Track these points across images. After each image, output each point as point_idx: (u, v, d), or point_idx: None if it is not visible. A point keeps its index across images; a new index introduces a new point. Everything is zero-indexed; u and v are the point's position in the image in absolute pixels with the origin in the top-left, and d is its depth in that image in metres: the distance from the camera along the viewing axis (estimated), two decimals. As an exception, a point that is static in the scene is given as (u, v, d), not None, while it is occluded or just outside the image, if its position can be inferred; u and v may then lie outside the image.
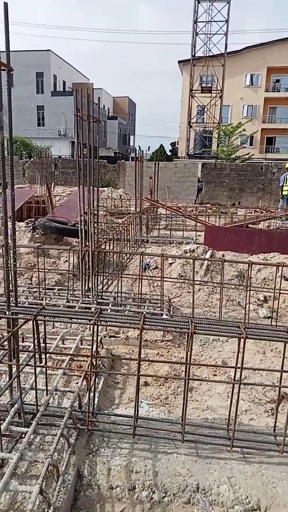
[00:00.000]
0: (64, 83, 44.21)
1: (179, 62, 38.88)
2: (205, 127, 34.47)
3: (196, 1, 31.36)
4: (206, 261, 4.74)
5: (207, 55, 32.00)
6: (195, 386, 2.76)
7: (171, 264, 5.01)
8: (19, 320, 2.04)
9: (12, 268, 2.11)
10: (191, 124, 33.94)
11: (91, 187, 3.71)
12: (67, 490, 1.71)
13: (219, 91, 31.93)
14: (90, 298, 3.88)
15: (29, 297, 3.95)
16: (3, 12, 1.82)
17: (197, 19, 31.81)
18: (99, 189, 4.11)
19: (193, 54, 32.57)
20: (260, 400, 2.56)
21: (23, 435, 1.89)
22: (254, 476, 1.84)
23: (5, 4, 1.83)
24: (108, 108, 53.18)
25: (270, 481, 1.82)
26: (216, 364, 3.04)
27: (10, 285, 2.07)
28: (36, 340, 2.05)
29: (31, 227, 5.88)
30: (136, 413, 2.02)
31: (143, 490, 1.80)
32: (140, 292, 3.86)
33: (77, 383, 2.42)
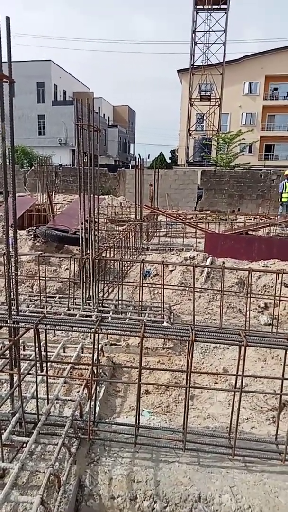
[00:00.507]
0: (64, 93, 44.69)
1: (178, 71, 39.36)
2: (204, 135, 34.78)
3: (195, 12, 31.87)
4: (206, 268, 4.75)
5: (206, 64, 32.41)
6: (196, 394, 2.75)
7: (171, 271, 5.02)
8: (20, 329, 2.05)
9: (13, 277, 2.12)
10: (191, 132, 34.25)
11: (92, 195, 3.74)
12: (68, 501, 1.70)
13: (218, 100, 32.28)
14: (91, 306, 3.88)
15: (30, 305, 3.95)
16: (5, 26, 1.86)
17: (195, 29, 32.31)
18: (100, 197, 4.13)
19: (192, 63, 33.00)
20: (261, 408, 2.55)
21: (24, 445, 1.89)
22: (256, 485, 1.83)
23: (7, 18, 1.87)
24: (108, 117, 53.66)
25: (273, 490, 1.81)
26: (217, 372, 3.03)
27: (12, 293, 2.08)
28: (37, 349, 2.06)
29: (32, 235, 5.90)
30: (137, 421, 2.02)
31: (144, 500, 1.79)
32: (140, 299, 3.86)
33: (78, 391, 2.41)
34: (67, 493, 1.73)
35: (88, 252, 3.85)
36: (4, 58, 1.87)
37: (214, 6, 31.32)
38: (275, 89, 39.26)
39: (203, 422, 2.40)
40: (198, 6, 31.76)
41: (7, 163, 1.97)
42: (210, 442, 2.06)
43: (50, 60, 41.22)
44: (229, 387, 2.74)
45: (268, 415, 2.46)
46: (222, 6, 31.51)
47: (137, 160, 8.07)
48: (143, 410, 2.46)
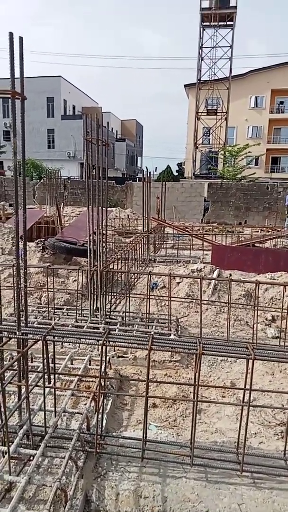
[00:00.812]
0: (73, 107, 45.60)
1: (185, 85, 39.98)
2: (211, 148, 35.06)
3: (201, 28, 32.53)
4: (213, 281, 4.75)
5: (213, 79, 32.90)
6: (204, 408, 2.72)
7: (178, 283, 5.02)
8: (29, 340, 2.06)
9: (22, 288, 2.15)
10: (197, 145, 34.57)
11: (100, 207, 3.79)
12: (74, 515, 1.68)
13: (225, 113, 32.64)
14: (98, 317, 3.89)
15: (38, 317, 3.98)
16: (18, 45, 1.93)
17: (202, 45, 32.92)
18: (108, 209, 4.18)
19: (198, 78, 33.52)
20: (269, 422, 2.51)
21: (32, 458, 1.88)
22: (265, 503, 1.80)
23: (20, 39, 1.94)
24: (116, 131, 54.47)
25: (282, 508, 1.77)
26: (224, 386, 3.00)
27: (20, 305, 2.11)
28: (45, 361, 2.07)
29: (40, 247, 5.96)
30: (144, 435, 2.01)
31: (151, 516, 1.76)
32: (148, 311, 3.86)
33: (85, 404, 2.41)
34: (74, 508, 1.71)
35: (96, 264, 3.88)
36: (16, 75, 1.94)
37: (220, 23, 31.96)
38: (281, 102, 39.61)
39: (210, 437, 2.37)
40: (204, 23, 32.45)
41: (18, 176, 2.02)
42: (218, 457, 2.03)
43: (59, 76, 42.22)
44: (237, 401, 2.72)
45: (277, 430, 2.42)
46: (228, 23, 32.14)
47: (144, 173, 8.16)
48: (150, 424, 2.45)
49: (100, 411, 2.16)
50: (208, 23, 32.19)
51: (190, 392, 2.86)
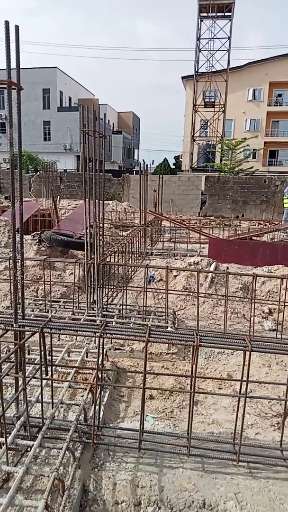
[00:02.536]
0: (70, 99, 45.13)
1: (183, 78, 39.61)
2: (209, 141, 34.87)
3: (199, 19, 32.14)
4: (210, 274, 4.75)
5: (210, 71, 32.60)
6: (201, 399, 2.74)
7: (175, 276, 5.02)
8: (26, 332, 2.06)
9: (19, 281, 2.14)
10: (195, 138, 34.37)
11: (97, 200, 3.77)
12: (72, 505, 1.69)
13: (222, 106, 32.42)
14: (95, 310, 3.89)
15: (35, 310, 3.97)
16: (14, 35, 1.89)
17: (200, 36, 32.55)
18: (104, 202, 4.16)
19: (196, 70, 33.20)
20: (266, 414, 2.53)
21: (29, 449, 1.89)
22: (261, 492, 1.82)
23: (16, 27, 1.91)
24: (113, 123, 54.03)
25: (278, 497, 1.80)
26: (221, 377, 3.02)
27: (17, 297, 2.10)
28: (42, 353, 2.07)
29: (37, 240, 5.94)
30: (141, 426, 2.02)
31: (148, 506, 1.78)
32: (144, 304, 3.87)
33: (83, 396, 2.42)
34: (71, 497, 1.73)
35: (92, 257, 3.87)
36: (13, 65, 1.91)
37: (218, 14, 31.58)
38: (279, 95, 39.37)
39: (207, 428, 2.39)
40: (202, 14, 32.05)
41: (14, 169, 2.00)
42: (214, 447, 2.05)
43: (55, 67, 41.69)
44: (234, 392, 2.74)
45: (273, 421, 2.45)
46: (226, 14, 31.76)
47: (141, 165, 8.12)
48: (147, 415, 2.46)
49: (97, 402, 2.17)
50: (206, 14, 31.80)
51: (187, 384, 2.88)
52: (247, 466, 1.97)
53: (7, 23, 1.85)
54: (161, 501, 1.78)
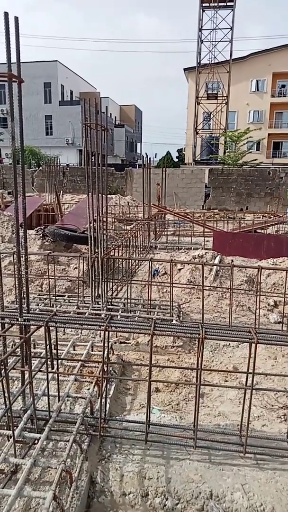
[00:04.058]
0: (71, 93, 44.87)
1: (185, 69, 39.23)
2: (212, 133, 34.60)
3: (201, 10, 31.69)
4: (215, 267, 4.74)
5: (213, 62, 32.22)
6: (207, 392, 2.74)
7: (180, 270, 5.01)
8: (31, 326, 2.06)
9: (23, 275, 2.14)
10: (198, 130, 34.09)
11: (100, 195, 3.75)
12: (80, 497, 1.71)
13: (225, 98, 32.07)
14: (100, 304, 3.89)
15: (39, 304, 3.98)
16: (14, 26, 1.87)
17: (202, 27, 32.12)
18: (107, 196, 4.15)
19: (198, 61, 32.83)
20: (272, 406, 2.53)
21: (36, 441, 1.91)
22: (268, 483, 1.82)
23: (16, 18, 1.88)
24: (115, 116, 53.73)
25: (285, 488, 1.80)
26: (227, 370, 3.02)
27: (22, 292, 2.10)
28: (47, 346, 2.08)
29: (40, 235, 5.94)
30: (148, 419, 2.02)
31: (156, 497, 1.79)
32: (149, 298, 3.86)
33: (89, 389, 2.43)
34: (79, 489, 1.74)
35: (96, 251, 3.87)
36: (13, 59, 1.89)
37: (220, 4, 31.11)
38: (283, 86, 38.89)
39: (213, 420, 2.39)
40: (204, 4, 31.57)
41: (16, 164, 1.99)
42: (221, 439, 2.06)
43: (56, 61, 41.42)
44: (240, 385, 2.73)
45: (279, 413, 2.45)
46: (229, 4, 31.28)
47: (144, 159, 8.07)
48: (153, 408, 2.47)
49: (104, 395, 2.18)
50: (207, 4, 31.34)
51: (193, 377, 2.88)
52: (254, 458, 1.98)
53: (6, 14, 1.82)
54: (168, 492, 1.79)
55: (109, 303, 3.97)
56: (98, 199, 3.73)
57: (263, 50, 37.54)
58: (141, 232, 6.78)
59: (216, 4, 30.94)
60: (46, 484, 1.73)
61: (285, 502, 1.73)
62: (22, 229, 2.14)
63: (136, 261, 5.48)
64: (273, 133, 38.29)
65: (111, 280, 4.22)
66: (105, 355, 2.14)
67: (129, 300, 3.99)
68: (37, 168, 21.99)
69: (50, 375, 2.16)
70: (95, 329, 3.07)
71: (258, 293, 3.74)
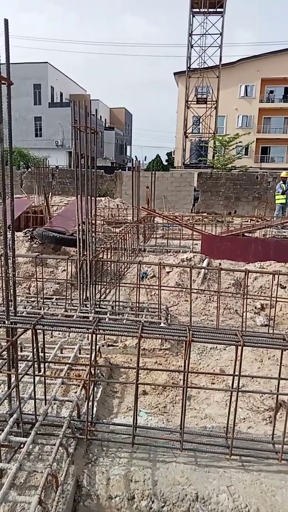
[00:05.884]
0: (61, 95, 44.70)
1: (175, 73, 39.51)
2: (201, 137, 34.89)
3: (191, 15, 32.02)
4: (203, 270, 4.77)
5: (202, 67, 32.54)
6: (194, 394, 2.76)
7: (168, 272, 5.03)
8: (18, 329, 2.05)
9: (11, 278, 2.13)
10: (187, 134, 34.33)
11: (89, 197, 3.75)
12: (66, 501, 1.70)
13: (214, 102, 32.41)
14: (88, 307, 3.88)
15: (27, 307, 3.95)
16: (3, 28, 1.87)
17: (192, 32, 32.44)
18: (97, 198, 4.15)
19: (188, 66, 33.12)
20: (258, 408, 2.56)
21: (22, 445, 1.89)
22: (253, 485, 1.84)
23: (5, 21, 1.88)
24: (105, 119, 53.69)
25: (269, 489, 1.82)
26: (214, 372, 3.05)
27: (9, 294, 2.09)
28: (35, 350, 2.06)
29: (29, 237, 5.89)
30: (135, 422, 2.03)
31: (142, 500, 1.79)
32: (137, 300, 3.87)
33: (76, 392, 2.42)
34: (65, 493, 1.73)
35: (85, 253, 3.86)
36: (2, 60, 1.89)
37: (210, 10, 31.49)
38: (271, 91, 39.52)
39: (200, 422, 2.41)
40: (194, 10, 31.93)
41: (5, 165, 1.98)
42: (207, 442, 2.07)
43: (46, 62, 41.23)
44: (226, 387, 2.76)
45: (265, 415, 2.48)
46: (218, 10, 31.68)
47: (133, 162, 8.10)
48: (140, 411, 2.47)
49: (91, 398, 2.17)
50: (198, 9, 31.69)
51: (180, 380, 2.90)
52: (240, 460, 2.00)
53: (-4, 16, 1.82)
54: (154, 495, 1.80)
55: (97, 306, 3.97)
56: (87, 201, 3.73)
57: (252, 56, 38.10)
58: (130, 234, 6.79)
59: (206, 10, 31.31)
60: (31, 488, 1.72)
61: (269, 503, 1.75)
62: (10, 231, 2.13)
63: (125, 263, 5.48)
64: (262, 138, 38.83)
65: (100, 283, 4.22)
66: (93, 358, 2.14)
67: (117, 303, 3.99)
68: (26, 169, 21.81)
69: (37, 378, 2.15)
70: (82, 332, 3.06)
71: (245, 296, 3.79)
